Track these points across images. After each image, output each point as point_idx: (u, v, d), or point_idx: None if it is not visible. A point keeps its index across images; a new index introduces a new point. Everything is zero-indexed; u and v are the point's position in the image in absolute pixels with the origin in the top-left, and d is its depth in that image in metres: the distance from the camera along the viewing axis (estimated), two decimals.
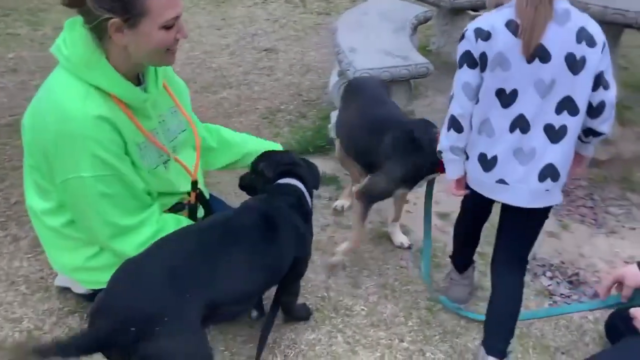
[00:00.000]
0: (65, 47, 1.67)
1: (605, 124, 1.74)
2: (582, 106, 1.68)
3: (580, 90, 1.66)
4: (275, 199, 1.89)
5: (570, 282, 2.43)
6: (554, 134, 1.69)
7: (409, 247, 2.55)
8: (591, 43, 1.63)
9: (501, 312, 1.92)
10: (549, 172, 1.72)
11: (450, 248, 2.36)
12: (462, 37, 1.71)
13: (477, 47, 1.67)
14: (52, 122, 1.65)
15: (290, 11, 5.70)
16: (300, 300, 2.13)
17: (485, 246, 2.26)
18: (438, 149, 1.86)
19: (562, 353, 2.09)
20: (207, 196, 2.18)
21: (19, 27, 5.03)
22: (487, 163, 1.76)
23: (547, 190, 1.74)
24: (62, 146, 1.66)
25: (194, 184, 2.03)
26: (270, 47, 4.83)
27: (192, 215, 2.04)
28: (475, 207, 2.00)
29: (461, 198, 2.05)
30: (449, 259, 2.33)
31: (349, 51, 3.17)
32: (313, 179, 2.07)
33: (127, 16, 1.58)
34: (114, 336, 1.43)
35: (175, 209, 2.02)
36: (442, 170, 1.95)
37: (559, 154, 1.71)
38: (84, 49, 1.64)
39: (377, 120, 2.35)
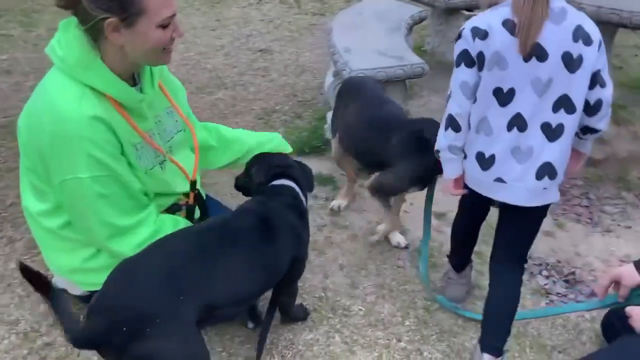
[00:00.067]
0: (60, 48, 1.66)
1: (602, 122, 1.75)
2: (579, 104, 1.69)
3: (577, 88, 1.67)
4: (271, 200, 1.89)
5: (567, 281, 2.44)
6: (551, 133, 1.70)
7: (406, 247, 2.56)
8: (588, 41, 1.64)
9: (498, 311, 1.93)
10: (546, 171, 1.73)
11: (446, 247, 2.36)
12: (459, 36, 1.71)
13: (474, 46, 1.67)
14: (48, 123, 1.64)
15: (285, 12, 5.70)
16: (297, 300, 2.13)
17: (482, 245, 2.26)
18: (436, 148, 1.87)
19: (559, 352, 2.10)
20: (204, 197, 2.17)
21: (13, 28, 5.00)
22: (485, 162, 1.77)
23: (545, 188, 1.75)
24: (58, 147, 1.65)
25: (193, 184, 2.02)
26: (265, 48, 4.83)
27: (189, 215, 2.03)
28: (473, 206, 2.01)
29: (459, 197, 2.05)
30: (446, 259, 2.34)
31: (344, 51, 3.17)
32: (307, 181, 2.07)
33: (125, 15, 1.57)
34: (106, 335, 1.43)
35: (171, 209, 2.01)
36: None
37: (556, 153, 1.72)
38: (79, 49, 1.64)
39: (383, 120, 2.36)
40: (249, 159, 2.11)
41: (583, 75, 1.65)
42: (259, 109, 3.82)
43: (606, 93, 1.70)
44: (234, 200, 2.46)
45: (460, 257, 2.25)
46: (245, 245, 1.71)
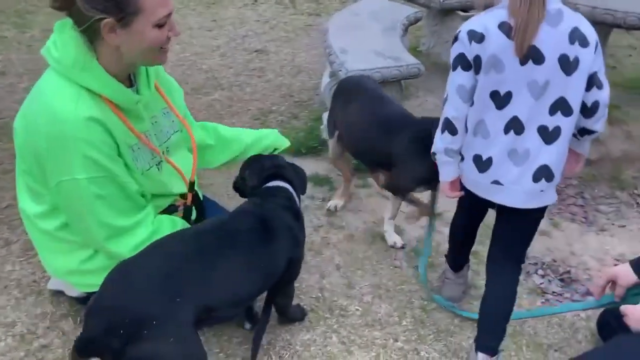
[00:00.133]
0: (55, 49, 1.66)
1: (599, 123, 1.75)
2: (576, 107, 1.69)
3: (574, 91, 1.67)
4: (266, 201, 1.90)
5: (562, 280, 2.45)
6: (548, 135, 1.70)
7: (403, 247, 2.56)
8: (584, 43, 1.63)
9: (494, 311, 1.93)
10: (543, 174, 1.73)
11: (444, 247, 2.37)
12: (456, 39, 1.71)
13: (470, 50, 1.67)
14: (44, 125, 1.63)
15: (281, 12, 5.70)
16: (294, 301, 2.13)
17: (478, 245, 2.27)
18: (432, 150, 1.86)
19: (555, 350, 2.11)
20: (201, 197, 2.17)
21: (6, 29, 4.99)
22: (482, 164, 1.77)
23: (542, 190, 1.76)
24: (54, 149, 1.65)
25: (192, 185, 2.02)
26: (261, 49, 4.83)
27: (186, 216, 2.03)
28: (471, 207, 2.01)
29: (457, 198, 2.06)
30: (443, 258, 2.34)
31: (340, 52, 3.18)
32: (300, 182, 2.07)
33: (121, 15, 1.57)
34: (104, 339, 1.43)
35: (168, 210, 2.01)
36: None
37: (553, 155, 1.72)
38: (75, 51, 1.63)
39: (389, 118, 2.36)
40: (250, 153, 2.12)
41: (580, 78, 1.65)
42: (255, 110, 3.82)
43: (603, 95, 1.70)
44: (230, 201, 2.46)
45: (458, 257, 2.26)
46: (241, 247, 1.72)
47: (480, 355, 1.89)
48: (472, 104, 1.73)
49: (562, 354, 2.09)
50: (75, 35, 1.63)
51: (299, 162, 2.23)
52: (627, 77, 4.25)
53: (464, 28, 1.69)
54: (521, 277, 2.33)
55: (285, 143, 2.36)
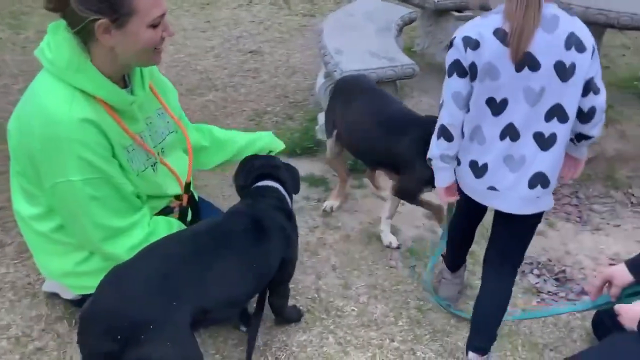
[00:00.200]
0: (49, 50, 1.65)
1: (596, 128, 1.73)
2: (572, 113, 1.66)
3: (570, 97, 1.64)
4: (257, 202, 1.90)
5: (557, 280, 2.46)
6: (544, 142, 1.68)
7: (398, 247, 2.56)
8: (580, 48, 1.60)
9: (487, 314, 1.94)
10: (538, 180, 1.71)
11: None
12: (451, 44, 1.68)
13: (466, 57, 1.64)
14: (38, 126, 1.63)
15: (275, 13, 5.70)
16: (290, 301, 2.13)
17: (474, 245, 2.27)
18: (428, 156, 1.84)
19: (551, 350, 2.12)
20: (197, 198, 2.17)
21: (1, 30, 4.97)
22: (478, 170, 1.76)
23: (538, 197, 1.74)
24: (48, 150, 1.64)
25: (187, 186, 2.02)
26: (255, 49, 4.82)
27: (182, 217, 2.03)
28: (469, 209, 1.99)
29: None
30: (440, 258, 2.34)
31: (335, 53, 3.18)
32: (293, 182, 2.07)
33: (115, 16, 1.57)
34: (102, 345, 1.43)
35: (164, 212, 2.01)
36: None
37: (549, 162, 1.70)
38: (69, 52, 1.63)
39: (395, 117, 2.36)
40: (243, 155, 2.12)
41: (576, 84, 1.63)
42: (250, 111, 3.82)
43: (600, 100, 1.67)
44: (225, 202, 2.46)
45: (455, 257, 2.26)
46: (233, 247, 1.72)
47: (471, 354, 1.91)
48: (468, 110, 1.72)
49: (558, 354, 2.10)
50: (68, 37, 1.63)
51: (294, 162, 2.23)
52: (620, 76, 4.27)
53: (459, 34, 1.67)
54: (517, 277, 2.34)
55: (279, 145, 2.36)
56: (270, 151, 2.31)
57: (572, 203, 2.98)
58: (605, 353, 1.71)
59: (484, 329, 1.93)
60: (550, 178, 1.73)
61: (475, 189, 1.80)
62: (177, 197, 2.05)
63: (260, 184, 1.97)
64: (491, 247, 1.95)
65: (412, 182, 2.33)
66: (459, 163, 1.81)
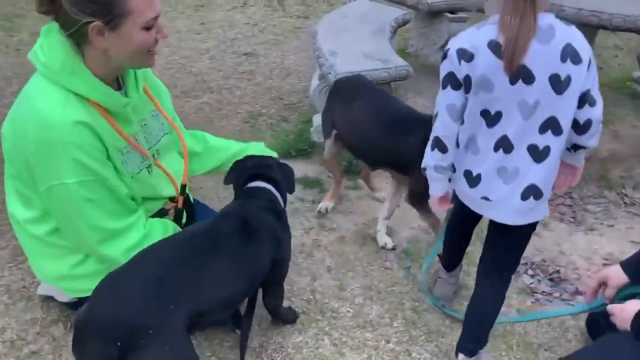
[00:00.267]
0: (42, 53, 1.65)
1: (592, 139, 1.71)
2: (566, 126, 1.64)
3: (565, 110, 1.62)
4: (247, 203, 1.90)
5: (552, 280, 2.47)
6: (538, 154, 1.66)
7: (393, 248, 2.57)
8: (576, 60, 1.56)
9: (478, 320, 1.95)
10: (531, 192, 1.70)
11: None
12: (445, 56, 1.66)
13: (460, 69, 1.62)
14: (32, 129, 1.63)
15: (270, 15, 5.70)
16: (286, 303, 2.13)
17: (470, 246, 2.28)
18: (422, 165, 1.84)
19: (545, 350, 2.12)
20: (192, 200, 2.17)
21: None
22: (472, 180, 1.75)
23: (531, 209, 1.73)
24: (42, 153, 1.64)
25: (183, 187, 2.02)
26: (250, 51, 4.83)
27: (177, 219, 2.03)
28: (465, 214, 1.97)
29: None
30: (435, 258, 2.34)
31: (329, 54, 3.18)
32: (287, 182, 2.07)
33: (109, 18, 1.57)
34: (101, 351, 1.43)
35: (159, 214, 2.01)
36: None
37: (542, 174, 1.68)
38: (62, 55, 1.63)
39: (400, 117, 2.36)
40: (228, 167, 2.12)
41: (571, 96, 1.60)
42: (245, 113, 3.82)
43: (596, 112, 1.65)
44: (220, 204, 2.45)
45: (452, 257, 2.26)
46: (225, 249, 1.72)
47: (460, 355, 1.93)
48: (462, 122, 1.70)
49: (552, 353, 2.10)
50: (62, 39, 1.63)
51: (288, 164, 2.23)
52: (613, 77, 4.30)
53: (453, 46, 1.65)
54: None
55: (271, 155, 2.36)
56: None
57: (566, 203, 2.99)
58: (599, 353, 1.72)
59: (474, 334, 1.95)
60: (544, 190, 1.71)
61: (470, 197, 1.80)
62: (172, 199, 2.05)
63: (251, 184, 1.97)
64: (485, 254, 1.94)
65: (422, 183, 2.31)
66: (454, 170, 1.81)
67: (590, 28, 3.16)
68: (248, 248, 1.77)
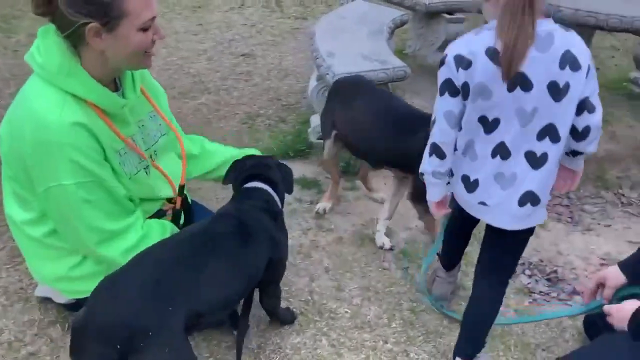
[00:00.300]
0: (39, 55, 1.65)
1: (591, 145, 1.69)
2: (564, 133, 1.63)
3: (563, 117, 1.60)
4: (242, 203, 1.90)
5: (549, 280, 2.48)
6: (535, 161, 1.65)
7: (391, 249, 2.57)
8: (575, 67, 1.54)
9: (475, 322, 1.95)
10: (528, 198, 1.69)
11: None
12: (442, 62, 1.65)
13: (458, 76, 1.61)
14: (29, 131, 1.63)
15: (267, 16, 5.71)
16: (283, 304, 2.14)
17: (468, 247, 2.28)
18: (420, 170, 1.83)
19: (543, 350, 2.13)
20: (190, 201, 2.17)
21: None
22: (470, 185, 1.75)
23: (528, 215, 1.73)
24: (40, 155, 1.64)
25: (181, 188, 2.02)
26: (247, 52, 4.83)
27: (175, 220, 2.03)
28: (464, 217, 1.97)
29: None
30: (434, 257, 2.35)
31: (327, 55, 3.18)
32: (285, 182, 2.07)
33: (106, 20, 1.57)
34: (101, 354, 1.43)
35: (157, 215, 2.01)
36: None
37: (540, 180, 1.68)
38: (59, 56, 1.63)
39: (405, 116, 2.36)
40: (220, 172, 2.12)
41: (569, 103, 1.58)
42: (243, 114, 3.82)
43: (595, 119, 1.63)
44: (219, 205, 2.44)
45: (451, 257, 2.26)
46: (221, 250, 1.72)
47: (458, 359, 1.93)
48: (460, 128, 1.70)
49: (550, 353, 2.11)
50: (58, 41, 1.63)
51: (286, 165, 2.23)
52: (610, 78, 4.31)
53: (451, 52, 1.63)
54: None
55: None
56: None
57: (563, 204, 3.00)
58: (596, 353, 1.72)
59: (471, 338, 1.95)
60: (541, 196, 1.70)
61: (467, 202, 1.80)
62: (170, 200, 2.05)
63: (248, 185, 1.97)
64: (483, 255, 1.94)
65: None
66: (452, 175, 1.81)
67: (587, 29, 3.18)
68: (244, 248, 1.77)
